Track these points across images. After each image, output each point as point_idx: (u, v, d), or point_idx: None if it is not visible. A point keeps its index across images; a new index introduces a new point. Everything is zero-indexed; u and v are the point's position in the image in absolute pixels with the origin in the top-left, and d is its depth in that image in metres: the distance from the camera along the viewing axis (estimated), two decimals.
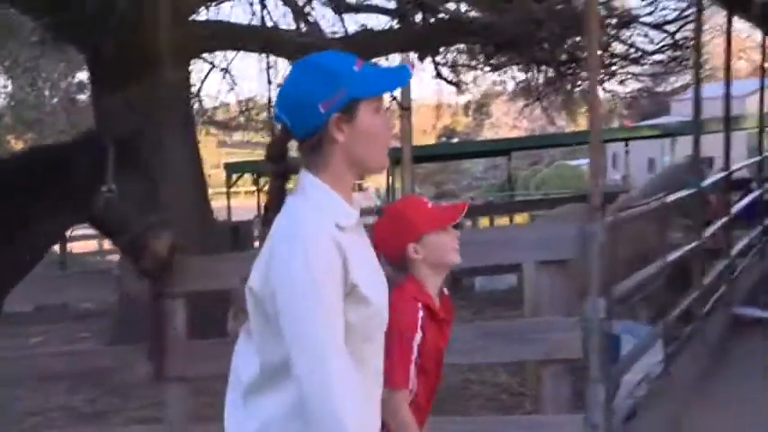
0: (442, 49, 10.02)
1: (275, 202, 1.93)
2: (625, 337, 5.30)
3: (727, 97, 8.25)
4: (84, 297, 7.73)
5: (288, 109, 1.84)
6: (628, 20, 9.21)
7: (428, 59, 10.13)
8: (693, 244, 6.33)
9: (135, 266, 4.00)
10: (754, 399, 5.43)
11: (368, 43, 8.60)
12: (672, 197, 6.07)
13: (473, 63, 10.79)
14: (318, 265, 1.74)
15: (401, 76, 1.92)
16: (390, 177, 17.78)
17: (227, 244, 9.43)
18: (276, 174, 1.95)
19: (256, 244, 13.67)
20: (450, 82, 10.80)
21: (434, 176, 43.62)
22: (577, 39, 8.79)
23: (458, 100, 30.81)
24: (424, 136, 39.11)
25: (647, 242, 6.18)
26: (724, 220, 7.42)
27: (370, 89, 1.84)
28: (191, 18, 8.35)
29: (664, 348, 5.53)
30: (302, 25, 9.19)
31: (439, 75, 10.34)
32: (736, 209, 8.16)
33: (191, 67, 9.30)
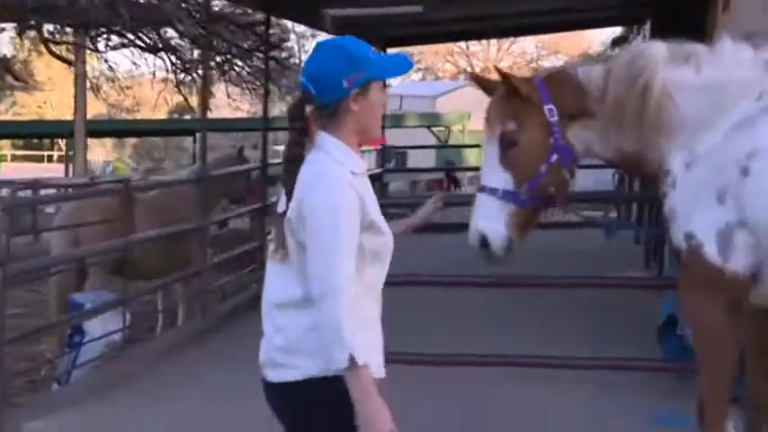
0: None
1: (294, 152, 2.31)
2: (88, 305, 5.96)
3: (265, 100, 9.11)
4: None
5: (315, 80, 2.28)
6: (216, 17, 9.92)
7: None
8: (194, 224, 7.13)
9: None
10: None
11: None
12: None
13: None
14: (339, 204, 2.20)
15: (404, 64, 2.42)
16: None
17: None
18: (297, 129, 2.32)
19: None
20: (60, 57, 11.00)
21: (155, 152, 43.02)
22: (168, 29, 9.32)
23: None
24: (153, 111, 38.46)
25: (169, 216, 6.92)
26: (256, 206, 8.34)
27: (383, 72, 2.34)
28: None
29: (125, 317, 6.20)
30: None
31: (50, 51, 10.50)
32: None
33: None
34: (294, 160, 2.30)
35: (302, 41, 19.21)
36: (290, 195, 2.27)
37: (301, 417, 2.35)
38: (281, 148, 8.34)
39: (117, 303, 6.13)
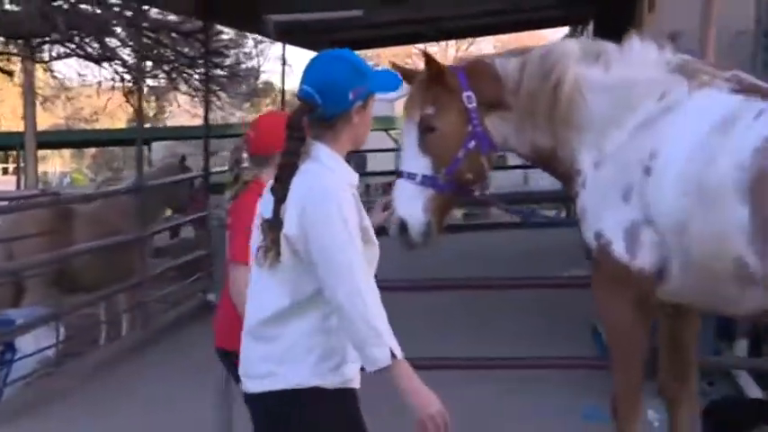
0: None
1: (290, 161, 2.30)
2: (19, 321, 5.85)
3: (206, 107, 9.04)
4: None
5: (322, 91, 2.28)
6: (157, 25, 9.84)
7: None
8: (134, 235, 7.05)
9: None
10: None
11: None
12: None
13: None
14: (343, 209, 2.22)
15: (396, 80, 2.45)
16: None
17: None
18: (295, 138, 2.30)
19: None
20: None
21: (114, 161, 42.65)
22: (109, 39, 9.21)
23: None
24: (113, 120, 38.02)
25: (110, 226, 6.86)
26: (200, 214, 8.27)
27: (382, 87, 2.37)
28: None
29: (59, 331, 6.09)
30: None
31: None
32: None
33: None
34: (288, 168, 2.30)
35: (260, 46, 19.04)
36: (280, 203, 2.27)
37: (285, 426, 2.33)
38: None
39: (50, 318, 6.03)
